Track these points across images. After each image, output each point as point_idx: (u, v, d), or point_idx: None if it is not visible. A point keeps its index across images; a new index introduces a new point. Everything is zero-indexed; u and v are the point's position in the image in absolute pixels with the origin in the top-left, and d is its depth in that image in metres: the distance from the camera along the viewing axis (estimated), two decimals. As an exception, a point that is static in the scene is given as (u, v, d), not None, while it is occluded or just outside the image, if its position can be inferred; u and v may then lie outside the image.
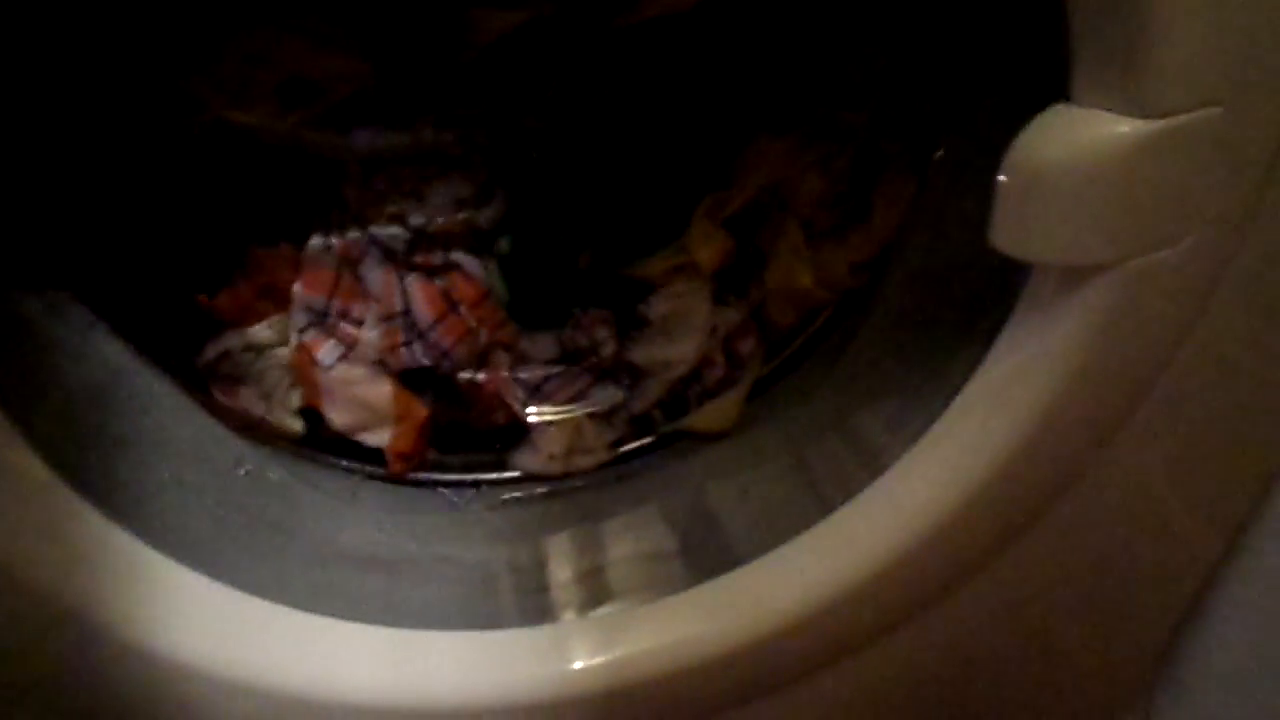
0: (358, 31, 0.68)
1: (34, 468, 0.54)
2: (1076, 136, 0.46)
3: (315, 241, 0.72)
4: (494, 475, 0.76)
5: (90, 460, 0.59)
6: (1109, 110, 0.45)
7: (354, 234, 0.72)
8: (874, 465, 0.59)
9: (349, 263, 0.72)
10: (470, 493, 0.75)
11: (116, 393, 0.65)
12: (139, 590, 0.56)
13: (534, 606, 0.65)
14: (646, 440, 0.77)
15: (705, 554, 0.65)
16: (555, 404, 0.77)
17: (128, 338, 0.67)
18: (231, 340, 0.73)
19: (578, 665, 0.58)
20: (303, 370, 0.73)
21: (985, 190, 0.49)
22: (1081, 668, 0.70)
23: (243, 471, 0.68)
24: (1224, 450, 0.59)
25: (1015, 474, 0.55)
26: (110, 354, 0.66)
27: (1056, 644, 0.68)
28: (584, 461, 0.76)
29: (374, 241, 0.72)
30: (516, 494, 0.75)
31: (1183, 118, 0.44)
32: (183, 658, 0.56)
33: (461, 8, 0.67)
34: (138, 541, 0.57)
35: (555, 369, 0.77)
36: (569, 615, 0.63)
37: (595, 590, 0.65)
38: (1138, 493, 0.60)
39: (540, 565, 0.69)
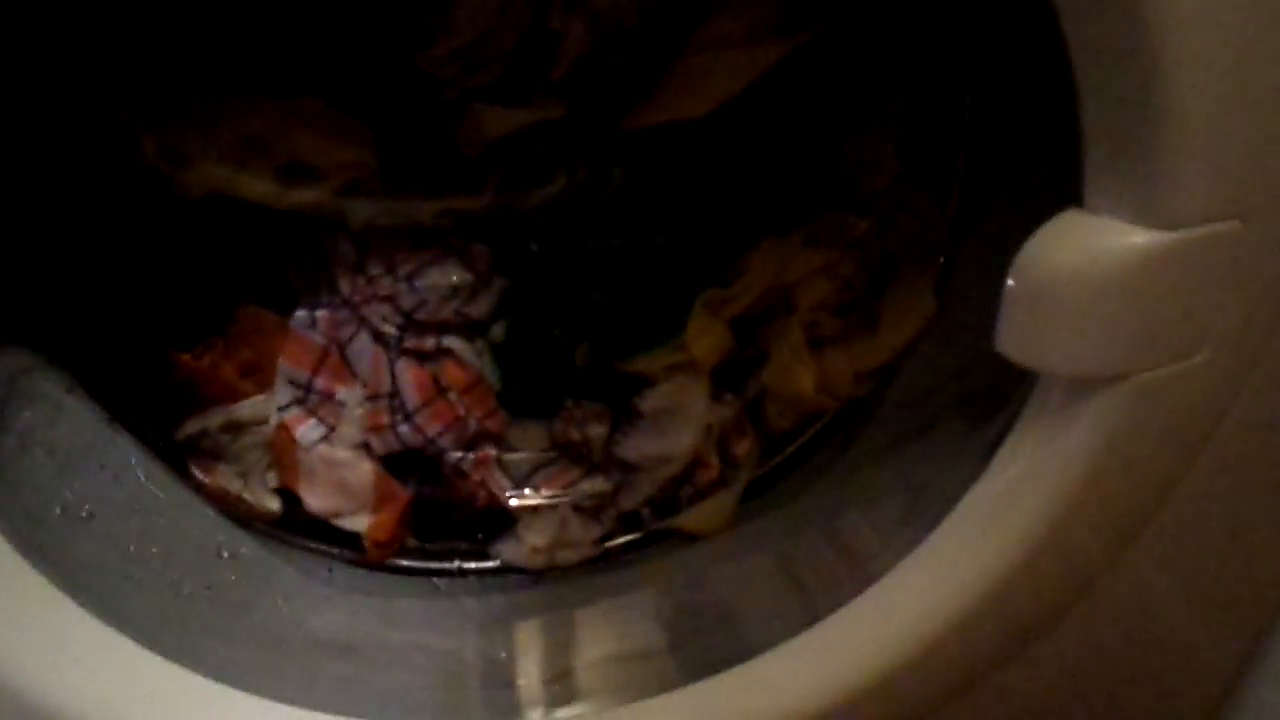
0: (362, 121, 0.67)
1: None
2: (1088, 245, 0.44)
3: (301, 313, 0.71)
4: (475, 564, 0.74)
5: (53, 531, 0.58)
6: (1122, 219, 0.44)
7: (344, 314, 0.71)
8: (863, 575, 0.57)
9: (337, 344, 0.71)
10: (448, 580, 0.73)
11: (88, 462, 0.63)
12: (89, 669, 0.53)
13: (501, 702, 0.63)
14: (633, 536, 0.75)
15: (685, 657, 0.64)
16: (542, 495, 0.75)
17: (105, 405, 0.65)
18: (212, 417, 0.71)
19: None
20: (282, 449, 0.71)
21: (994, 296, 0.48)
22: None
23: (224, 554, 0.67)
24: (1241, 567, 0.57)
25: (1012, 594, 0.53)
26: (86, 420, 0.64)
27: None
28: (568, 556, 0.74)
29: (364, 324, 0.71)
30: (496, 583, 0.73)
31: (1198, 230, 0.43)
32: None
33: (468, 105, 0.66)
34: (92, 617, 0.54)
35: (544, 459, 0.75)
36: (534, 715, 0.60)
37: (566, 690, 0.63)
38: (1148, 612, 0.58)
39: (512, 660, 0.66)
